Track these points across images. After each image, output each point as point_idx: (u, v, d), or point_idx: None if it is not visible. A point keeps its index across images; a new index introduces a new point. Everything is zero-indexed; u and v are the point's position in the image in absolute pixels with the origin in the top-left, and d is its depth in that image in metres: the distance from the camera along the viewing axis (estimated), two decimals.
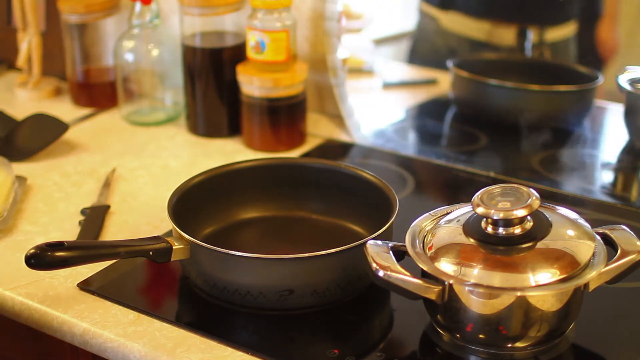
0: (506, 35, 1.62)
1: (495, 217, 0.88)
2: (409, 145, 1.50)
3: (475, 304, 0.87)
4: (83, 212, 1.21)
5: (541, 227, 0.90)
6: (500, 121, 1.56)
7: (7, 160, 1.27)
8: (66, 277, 1.06)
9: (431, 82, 1.78)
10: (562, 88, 1.55)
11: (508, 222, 0.89)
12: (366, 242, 0.93)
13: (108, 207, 1.22)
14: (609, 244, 0.93)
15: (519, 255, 0.88)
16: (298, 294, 0.96)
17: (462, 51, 1.68)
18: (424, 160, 1.41)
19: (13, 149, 1.40)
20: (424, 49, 1.78)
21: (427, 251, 0.91)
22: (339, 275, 0.97)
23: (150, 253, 0.98)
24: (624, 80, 1.44)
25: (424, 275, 0.90)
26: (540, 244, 0.89)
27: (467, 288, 0.87)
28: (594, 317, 0.97)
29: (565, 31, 1.60)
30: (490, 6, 1.61)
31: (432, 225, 0.96)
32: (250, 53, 1.39)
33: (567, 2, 1.55)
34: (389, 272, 0.88)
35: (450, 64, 1.64)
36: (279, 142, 1.42)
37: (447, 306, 0.89)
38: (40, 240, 1.13)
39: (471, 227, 0.92)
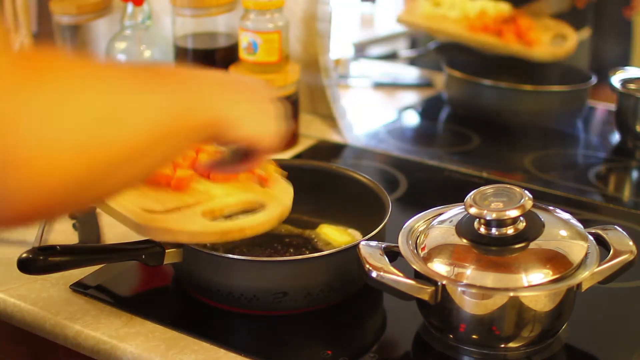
0: None
1: (487, 218, 0.88)
2: (402, 146, 1.50)
3: (468, 304, 0.87)
4: (71, 214, 1.19)
5: (534, 228, 0.91)
6: (493, 121, 1.56)
7: None
8: (58, 278, 1.05)
9: (427, 86, 1.78)
10: (555, 88, 1.56)
11: (501, 223, 0.89)
12: (359, 243, 0.93)
13: (94, 207, 1.21)
14: (602, 244, 0.93)
15: (511, 255, 0.88)
16: (292, 296, 0.96)
17: None
18: (417, 161, 1.42)
19: None
20: None
21: (420, 252, 0.91)
22: (333, 277, 0.97)
23: (143, 256, 0.98)
24: (616, 81, 1.44)
25: (417, 276, 0.90)
26: (533, 245, 0.89)
27: (459, 289, 0.87)
28: (586, 317, 0.97)
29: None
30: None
31: (425, 226, 0.96)
32: (242, 54, 1.39)
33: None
34: (382, 273, 0.88)
35: (443, 64, 1.65)
36: None
37: (440, 307, 0.89)
38: (32, 240, 1.13)
39: (464, 227, 0.92)
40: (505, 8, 1.63)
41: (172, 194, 0.97)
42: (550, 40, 1.56)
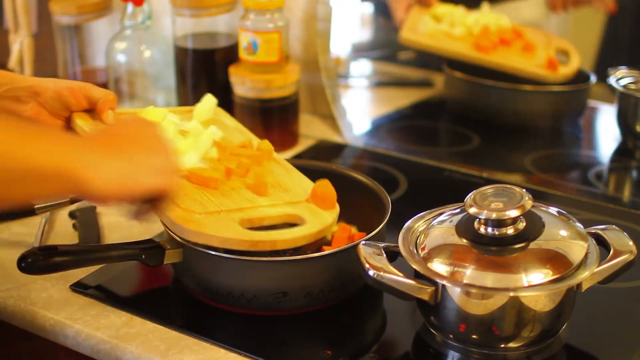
0: None
1: (488, 218, 0.88)
2: (402, 146, 1.50)
3: (468, 304, 0.87)
4: (71, 214, 1.20)
5: (534, 228, 0.90)
6: (493, 121, 1.56)
7: None
8: (58, 279, 1.05)
9: (427, 86, 1.78)
10: (555, 88, 1.56)
11: (501, 223, 0.89)
12: (359, 243, 0.93)
13: (94, 207, 1.21)
14: (602, 244, 0.93)
15: (511, 255, 0.88)
16: (292, 296, 0.96)
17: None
18: (417, 161, 1.42)
19: None
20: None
21: (420, 252, 0.91)
22: (333, 278, 0.97)
23: (143, 256, 0.98)
24: (616, 81, 1.44)
25: (417, 276, 0.90)
26: (533, 245, 0.89)
27: (459, 289, 0.87)
28: (586, 317, 0.97)
29: None
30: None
31: (425, 226, 0.96)
32: (242, 54, 1.39)
33: None
34: (381, 273, 0.88)
35: (443, 64, 1.65)
36: (272, 143, 1.42)
37: (440, 307, 0.89)
38: (32, 240, 1.13)
39: (464, 227, 0.92)
40: (506, 22, 1.62)
41: (216, 197, 0.97)
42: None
